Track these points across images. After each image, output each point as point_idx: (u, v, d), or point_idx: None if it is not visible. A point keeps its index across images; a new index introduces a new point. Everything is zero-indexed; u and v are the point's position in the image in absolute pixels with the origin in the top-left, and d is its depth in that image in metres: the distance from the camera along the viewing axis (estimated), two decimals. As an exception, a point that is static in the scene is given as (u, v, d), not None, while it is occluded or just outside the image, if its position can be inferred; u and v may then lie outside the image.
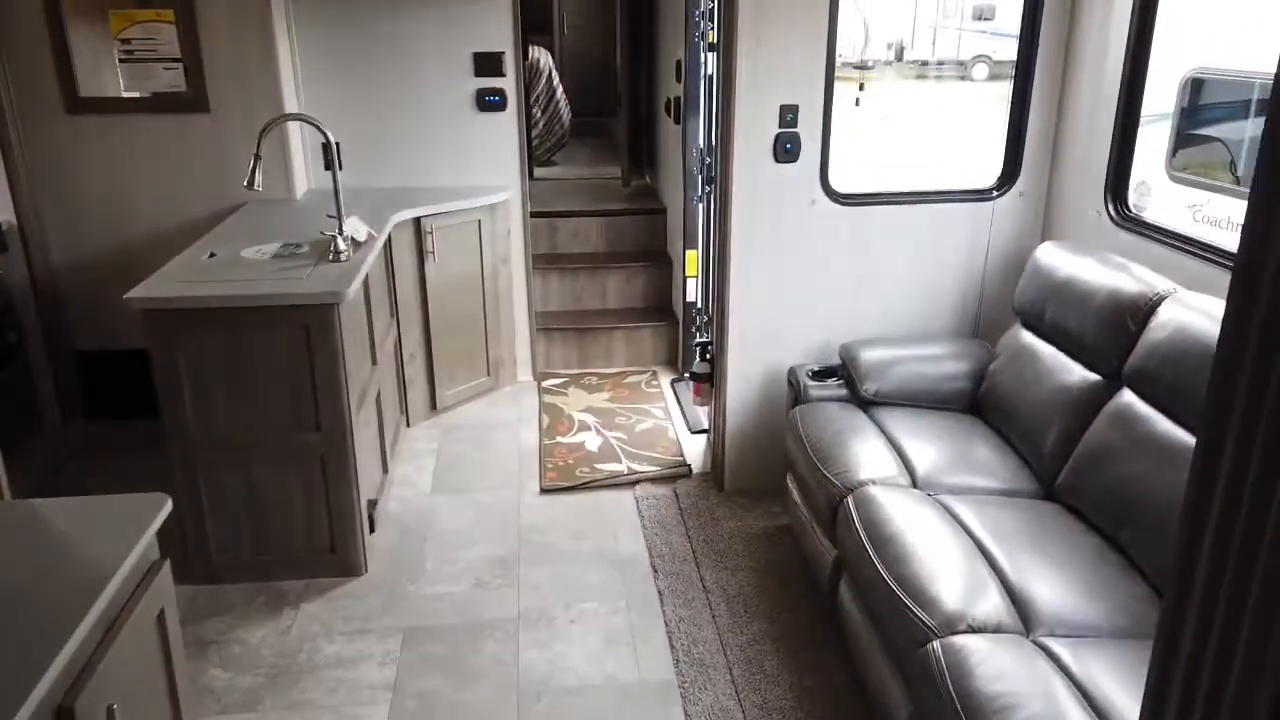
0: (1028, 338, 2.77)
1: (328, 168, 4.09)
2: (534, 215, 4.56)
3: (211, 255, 3.08)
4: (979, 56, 17.37)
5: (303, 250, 3.11)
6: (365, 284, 3.20)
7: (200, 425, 2.81)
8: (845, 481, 2.48)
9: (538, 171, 5.92)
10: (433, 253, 3.94)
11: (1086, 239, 2.91)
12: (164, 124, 3.78)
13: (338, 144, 4.06)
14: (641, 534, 3.23)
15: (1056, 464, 2.46)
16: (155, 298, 2.66)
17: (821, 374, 3.05)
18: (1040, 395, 2.58)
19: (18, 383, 3.65)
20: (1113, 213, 2.87)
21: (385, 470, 3.52)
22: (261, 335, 2.75)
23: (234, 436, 2.84)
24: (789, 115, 3.05)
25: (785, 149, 3.08)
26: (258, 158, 2.93)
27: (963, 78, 17.32)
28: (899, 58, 17.78)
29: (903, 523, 2.23)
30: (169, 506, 1.64)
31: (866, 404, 2.92)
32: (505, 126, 4.18)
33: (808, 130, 3.08)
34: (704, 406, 3.87)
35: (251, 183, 2.93)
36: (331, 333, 2.76)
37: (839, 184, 3.18)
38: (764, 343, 3.31)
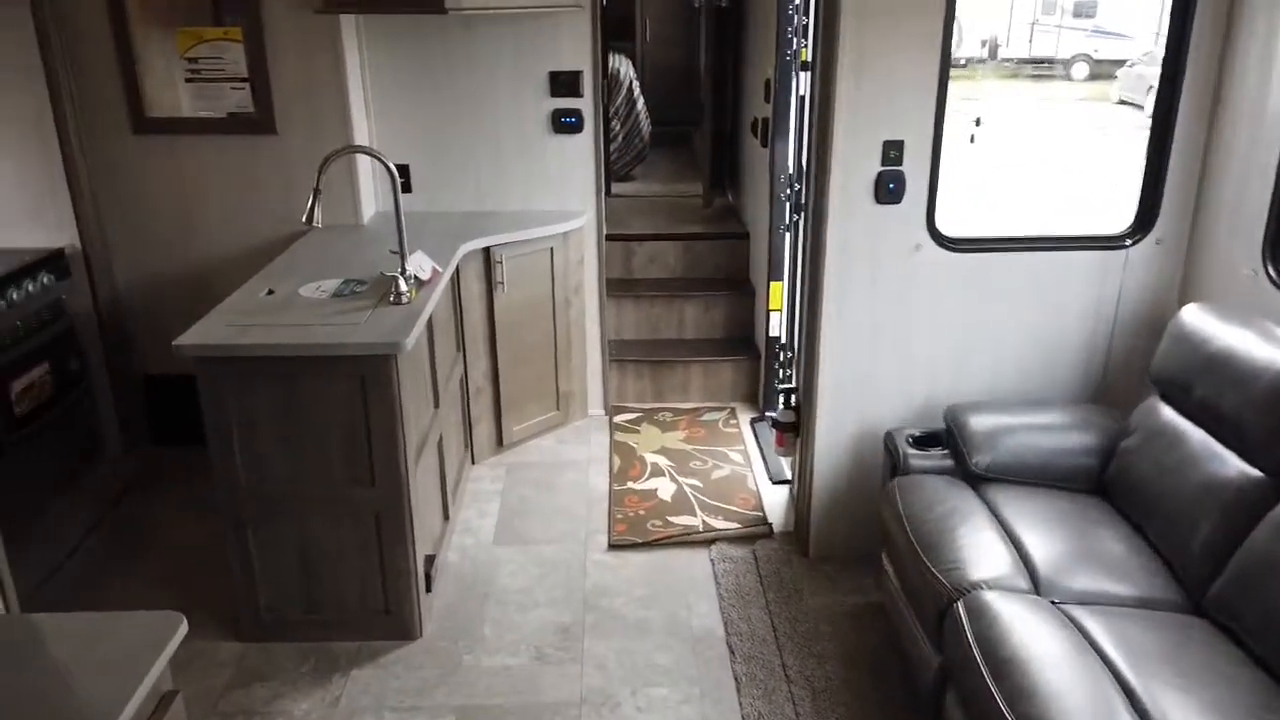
0: (1169, 415, 2.41)
1: (401, 190, 3.95)
2: (609, 238, 4.32)
3: (270, 293, 2.92)
4: (1079, 55, 16.57)
5: (363, 289, 2.92)
6: (429, 323, 3.01)
7: (251, 476, 2.65)
8: (955, 581, 2.17)
9: (615, 187, 5.68)
10: (502, 283, 3.73)
11: (1239, 301, 2.53)
12: (230, 145, 3.65)
13: (406, 167, 3.93)
14: (717, 604, 2.96)
15: (1206, 572, 2.11)
16: (205, 344, 2.50)
17: (924, 441, 2.73)
18: (1186, 487, 2.23)
19: (80, 410, 3.56)
20: (1274, 273, 2.49)
21: (446, 517, 3.32)
22: (314, 385, 2.56)
23: (286, 489, 2.67)
24: (893, 152, 2.74)
25: (888, 189, 2.77)
26: (317, 192, 2.75)
27: (1061, 77, 16.56)
28: (992, 55, 17.09)
29: (1024, 642, 1.92)
30: (184, 628, 1.44)
31: (976, 479, 2.59)
32: (582, 149, 3.95)
33: (914, 168, 2.76)
34: (787, 457, 3.58)
35: (310, 218, 2.75)
36: (388, 385, 2.56)
37: (947, 226, 2.86)
38: (858, 396, 3.01)
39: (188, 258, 3.76)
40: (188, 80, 3.58)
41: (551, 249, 3.88)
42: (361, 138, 3.76)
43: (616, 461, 3.88)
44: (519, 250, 3.75)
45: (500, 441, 3.95)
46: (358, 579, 2.78)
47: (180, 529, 3.37)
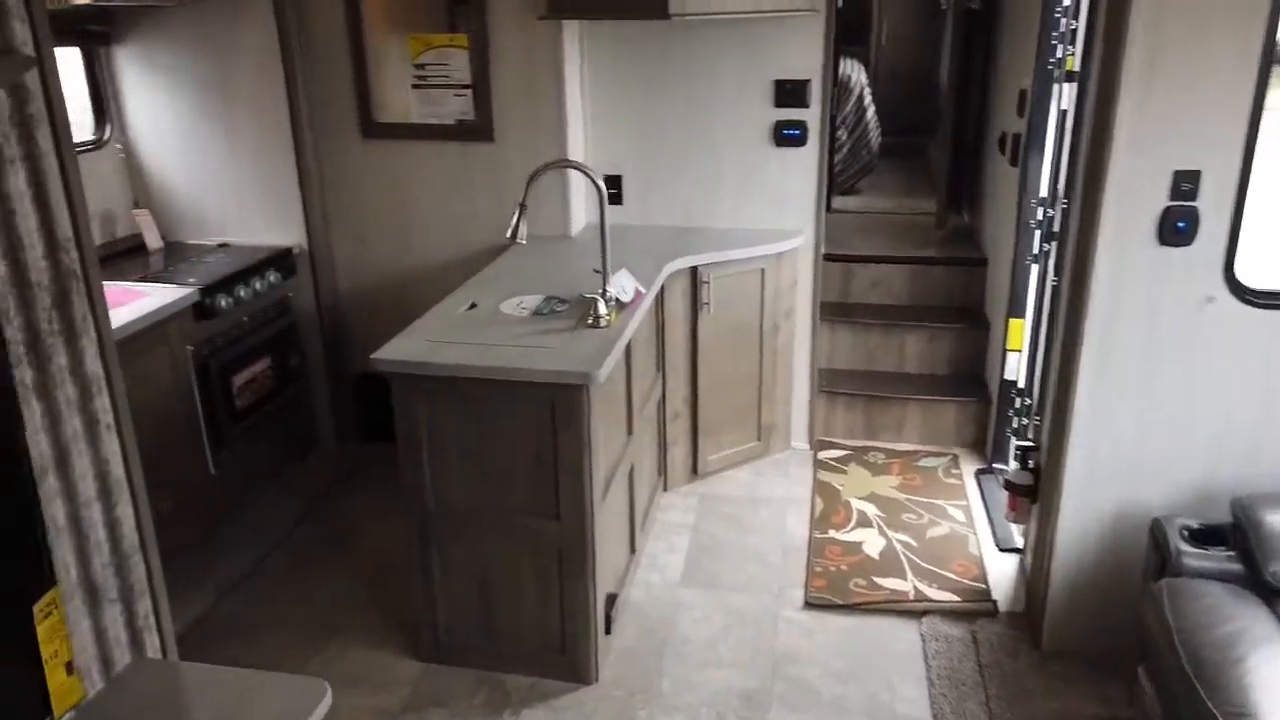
0: None
1: (609, 202, 3.82)
2: (827, 258, 4.00)
3: (472, 306, 2.84)
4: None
5: (564, 309, 2.79)
6: (628, 345, 2.83)
7: (437, 495, 2.57)
8: (1245, 732, 1.72)
9: (837, 202, 5.33)
10: (708, 304, 3.51)
11: None
12: (450, 152, 3.65)
13: (618, 178, 3.79)
14: (926, 690, 2.59)
15: None
16: (399, 360, 2.43)
17: (1203, 536, 2.24)
18: None
19: (297, 404, 3.69)
20: None
21: (632, 549, 3.14)
22: (502, 409, 2.44)
23: (470, 512, 2.57)
24: (1185, 184, 2.26)
25: (1175, 228, 2.30)
26: (523, 208, 2.63)
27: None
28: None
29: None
30: (328, 700, 1.31)
31: (1273, 594, 2.09)
32: (804, 163, 3.66)
33: (1211, 204, 2.27)
34: (1019, 524, 3.13)
35: (515, 234, 2.64)
36: (578, 416, 2.40)
37: (1250, 276, 2.34)
38: (1117, 469, 2.54)
39: (403, 262, 3.80)
40: (414, 86, 3.61)
41: (763, 270, 3.61)
42: (576, 147, 3.66)
43: (818, 504, 3.56)
44: (727, 270, 3.52)
45: (695, 470, 3.74)
46: (535, 613, 2.65)
47: (378, 529, 3.39)
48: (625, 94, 3.70)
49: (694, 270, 3.45)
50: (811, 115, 3.60)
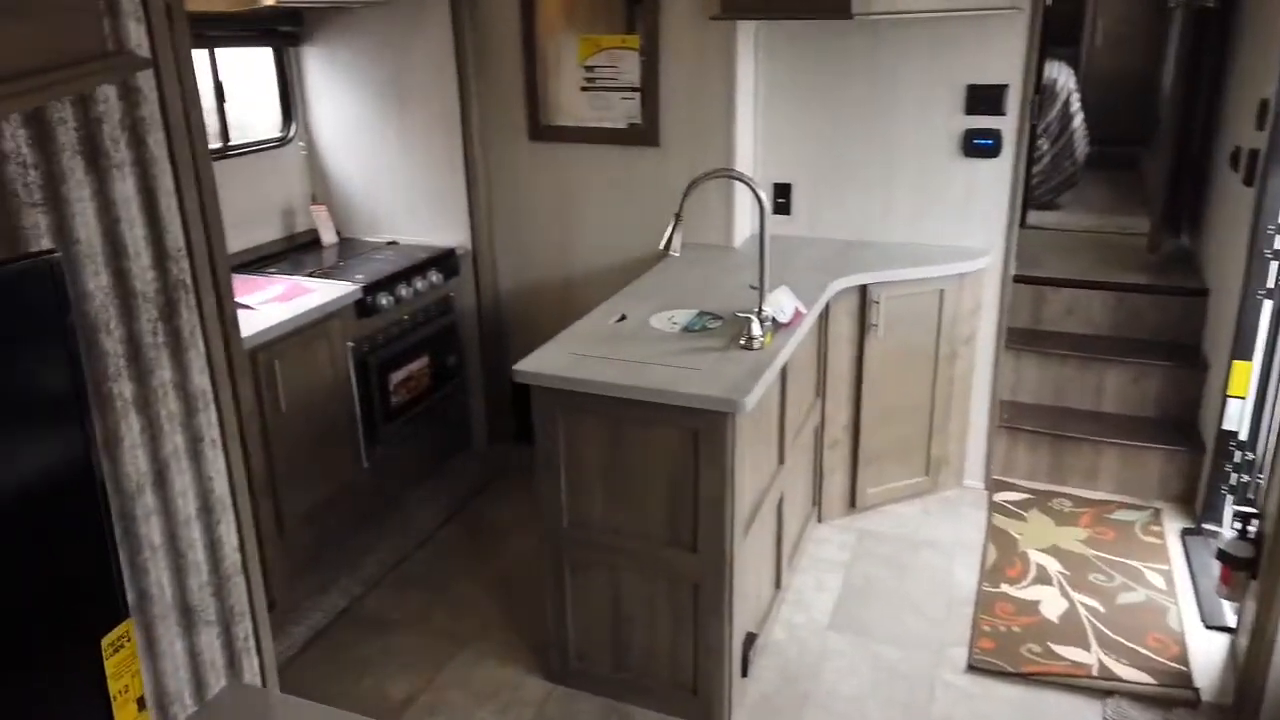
0: None
1: (776, 212, 3.63)
2: (1017, 280, 3.63)
3: (622, 318, 2.72)
4: None
5: (716, 326, 2.62)
6: (784, 369, 2.64)
7: (573, 515, 2.47)
8: None
9: (1032, 216, 4.88)
10: (877, 325, 3.24)
11: None
12: (614, 156, 3.55)
13: (787, 186, 3.58)
14: (1104, 788, 2.26)
15: None
16: (539, 373, 2.34)
17: None
18: None
19: (453, 403, 3.71)
20: None
21: (777, 585, 2.94)
22: (642, 432, 2.31)
23: (605, 536, 2.46)
24: None
25: None
26: (677, 219, 2.48)
27: None
28: None
29: None
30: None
31: None
32: (996, 176, 3.33)
33: None
34: (1232, 601, 2.70)
35: (668, 246, 2.49)
36: (721, 445, 2.23)
37: None
38: (1363, 554, 2.12)
39: (564, 266, 3.75)
40: (582, 89, 3.54)
41: (941, 291, 3.31)
42: (744, 153, 3.49)
43: (991, 553, 3.22)
44: (901, 290, 3.24)
45: (853, 503, 3.48)
46: (668, 648, 2.50)
47: (520, 535, 3.35)
48: (799, 98, 3.49)
49: (863, 289, 3.20)
50: (1007, 124, 3.27)
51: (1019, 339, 3.81)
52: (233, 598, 1.22)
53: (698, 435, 2.25)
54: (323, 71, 3.62)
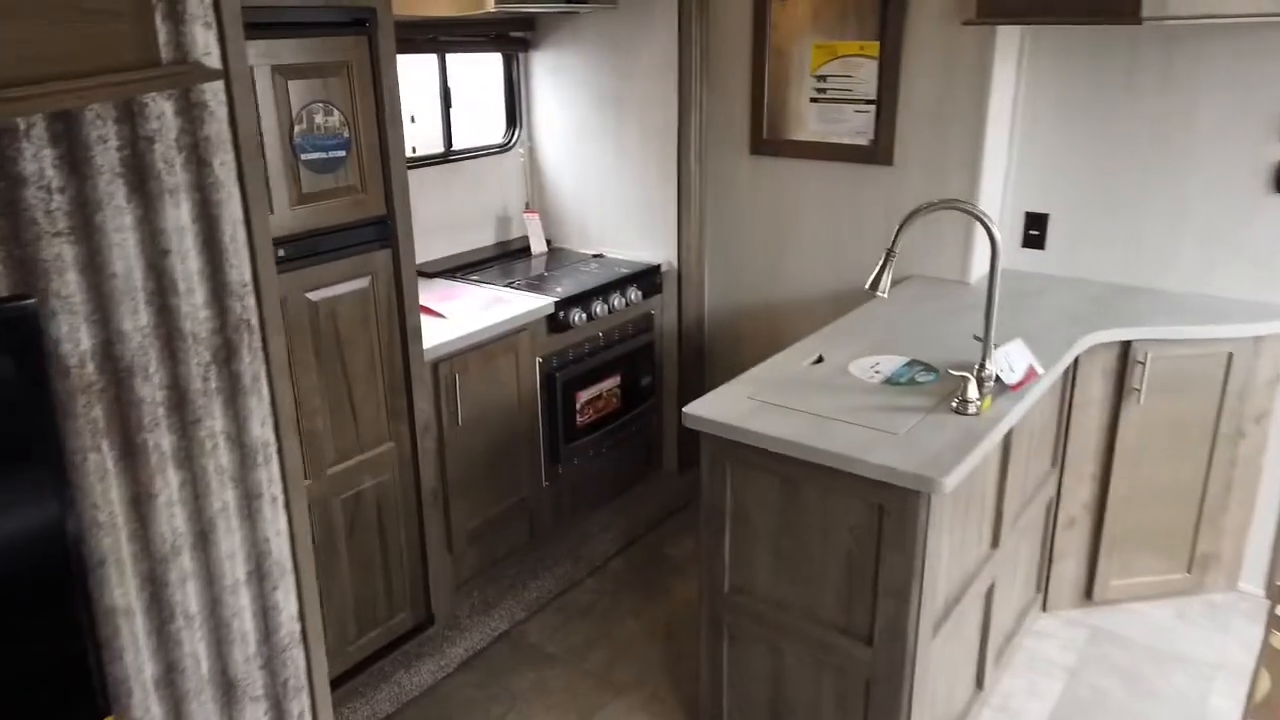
0: None
1: (1027, 245, 3.16)
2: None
3: (818, 360, 2.42)
4: None
5: (927, 381, 2.25)
6: (1008, 436, 2.23)
7: (736, 578, 2.21)
8: None
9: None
10: (1139, 390, 2.71)
11: None
12: (839, 174, 3.23)
13: (1043, 217, 3.11)
14: None
15: None
16: (709, 419, 2.09)
17: None
18: None
19: (643, 425, 3.55)
20: None
21: (979, 685, 2.52)
22: (819, 499, 2.00)
23: (769, 608, 2.18)
24: None
25: None
26: (889, 256, 2.14)
27: None
28: None
29: None
30: None
31: None
32: (1317, 219, 2.68)
33: None
34: None
35: (875, 285, 2.16)
36: (911, 529, 1.88)
37: None
38: None
39: (775, 289, 3.48)
40: (812, 100, 3.24)
41: (1230, 355, 2.71)
42: (993, 177, 3.05)
43: (1264, 682, 2.60)
44: (1176, 350, 2.68)
45: (1089, 594, 2.95)
46: (832, 743, 2.18)
47: (691, 577, 3.13)
48: (1067, 116, 3.00)
49: (1125, 345, 2.68)
50: (1340, 154, 2.62)
51: (1332, 419, 3.07)
52: (288, 670, 1.09)
53: (883, 512, 1.92)
54: (549, 78, 3.57)
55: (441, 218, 3.38)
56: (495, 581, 2.95)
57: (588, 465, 3.25)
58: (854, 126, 3.18)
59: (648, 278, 3.35)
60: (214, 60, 0.91)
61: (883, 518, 1.92)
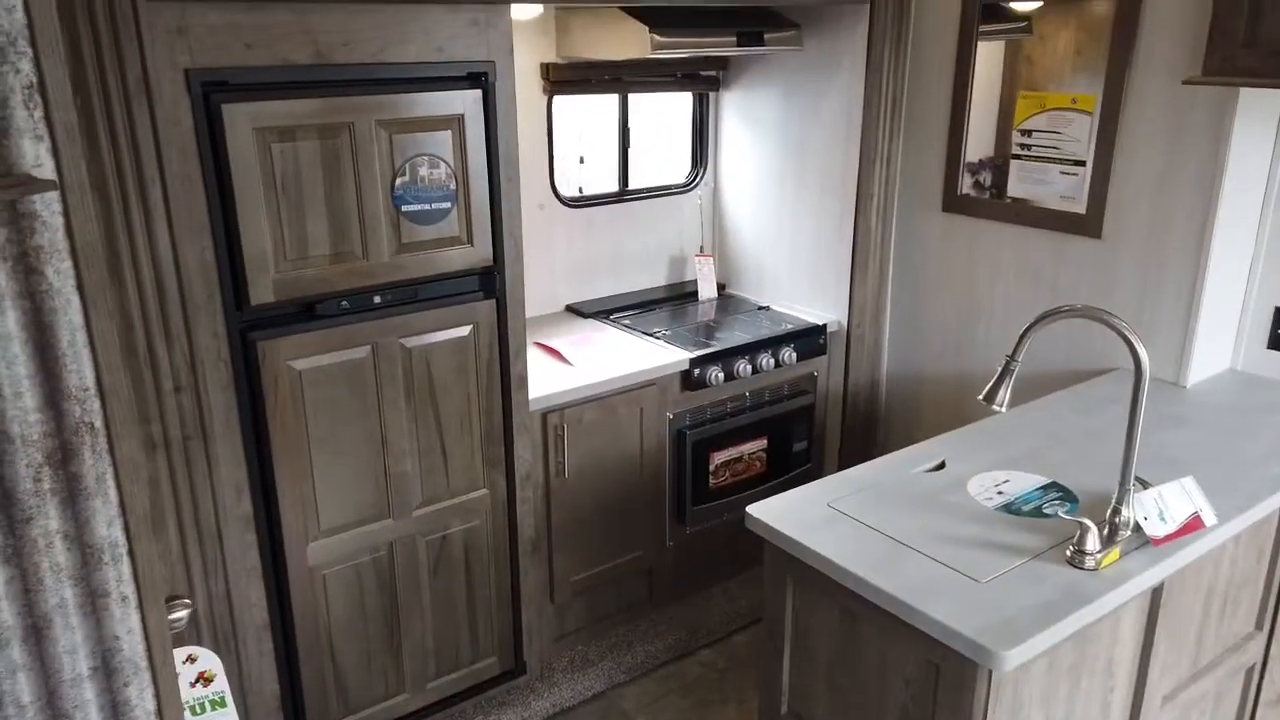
0: None
1: (1272, 347, 2.59)
2: None
3: (938, 466, 2.12)
4: None
5: (1056, 513, 1.89)
6: (1157, 594, 1.82)
7: (794, 704, 1.98)
8: None
9: None
10: (1389, 556, 2.11)
11: None
12: (1040, 242, 2.82)
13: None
14: None
15: None
16: (768, 525, 1.88)
17: None
18: None
19: (800, 491, 3.31)
20: None
21: None
22: (878, 639, 1.73)
23: (831, 742, 1.93)
24: None
25: None
26: (1010, 365, 1.82)
27: None
28: None
29: None
30: None
31: None
32: None
33: None
34: None
35: (991, 398, 1.84)
36: (968, 703, 1.57)
37: None
38: None
39: (959, 361, 3.11)
40: (1014, 156, 2.86)
41: None
42: (1231, 264, 2.53)
43: None
44: None
45: (1298, 794, 2.35)
46: None
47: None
48: (1337, 194, 2.40)
49: (1371, 496, 2.10)
50: None
51: None
52: (143, 774, 1.09)
53: (939, 673, 1.62)
54: (738, 119, 3.44)
55: (610, 256, 3.36)
56: (601, 638, 2.89)
57: (719, 530, 3.09)
58: (1059, 190, 2.76)
59: (809, 337, 3.13)
60: (46, 171, 0.92)
61: (939, 679, 1.63)
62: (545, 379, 2.61)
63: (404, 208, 2.11)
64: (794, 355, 3.06)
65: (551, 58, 3.01)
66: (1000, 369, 1.83)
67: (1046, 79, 2.75)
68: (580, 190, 3.28)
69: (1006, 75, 2.88)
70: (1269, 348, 2.60)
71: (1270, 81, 2.16)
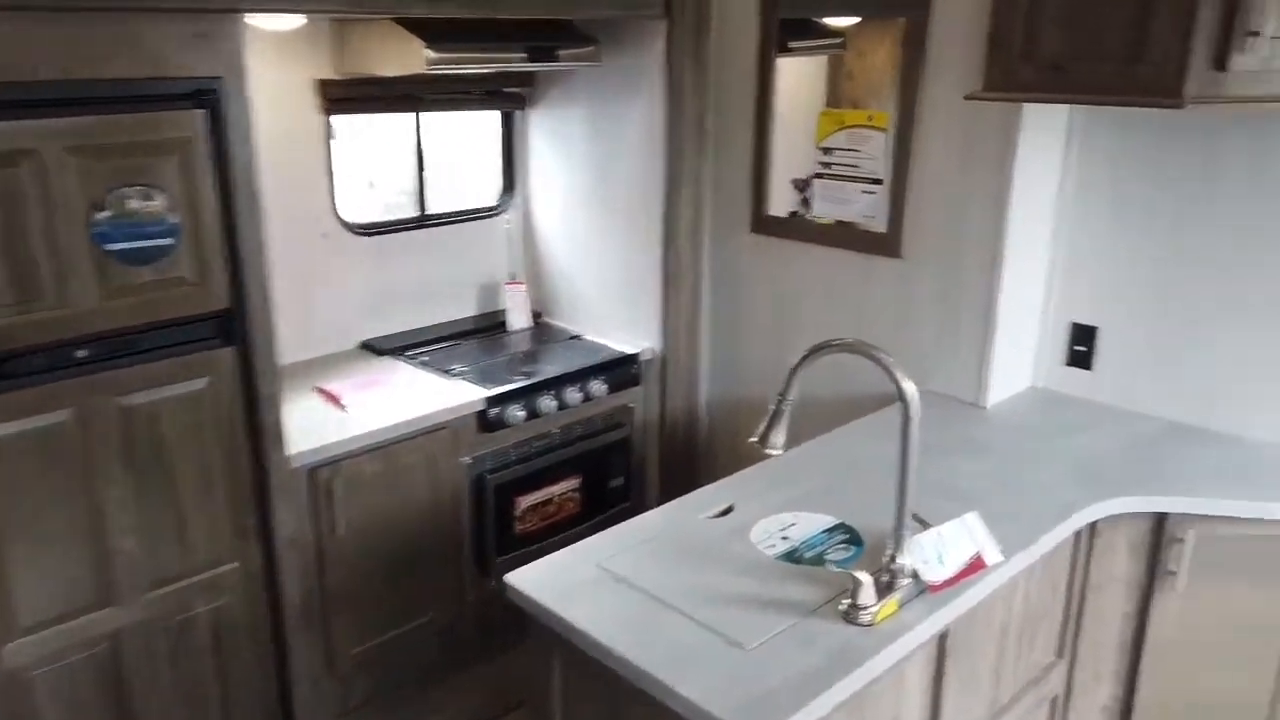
0: None
1: (1071, 363, 2.57)
2: None
3: (724, 512, 1.98)
4: None
5: (841, 560, 1.76)
6: (944, 640, 1.71)
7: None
8: None
9: None
10: (1175, 573, 2.08)
11: None
12: (843, 262, 2.75)
13: (1090, 330, 2.51)
14: None
15: None
16: (526, 595, 1.69)
17: None
18: None
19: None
20: None
21: None
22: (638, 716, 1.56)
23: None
24: None
25: None
26: (780, 405, 1.69)
27: None
28: None
29: None
30: None
31: None
32: None
33: None
34: None
35: (763, 440, 1.70)
36: (730, 789, 1.41)
37: None
38: None
39: (774, 388, 2.97)
40: (816, 176, 2.77)
41: (1312, 542, 2.04)
42: (1028, 280, 2.51)
43: None
44: (1237, 529, 2.04)
45: (1108, 822, 2.31)
46: None
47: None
48: (1123, 212, 2.41)
49: (1160, 521, 2.07)
50: None
51: None
52: None
53: (702, 757, 1.46)
54: (544, 139, 3.26)
55: (412, 287, 3.12)
56: (394, 710, 2.63)
57: (530, 577, 2.88)
58: (860, 209, 2.68)
59: (621, 367, 2.97)
60: None
61: (701, 763, 1.46)
62: (318, 429, 2.35)
63: (109, 246, 1.83)
64: (605, 387, 2.90)
65: (329, 73, 2.76)
66: (772, 410, 1.69)
67: (868, 95, 2.68)
68: (370, 218, 3.03)
69: (831, 92, 2.80)
70: (1067, 364, 2.58)
71: (1048, 96, 2.13)
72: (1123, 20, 1.88)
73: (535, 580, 1.72)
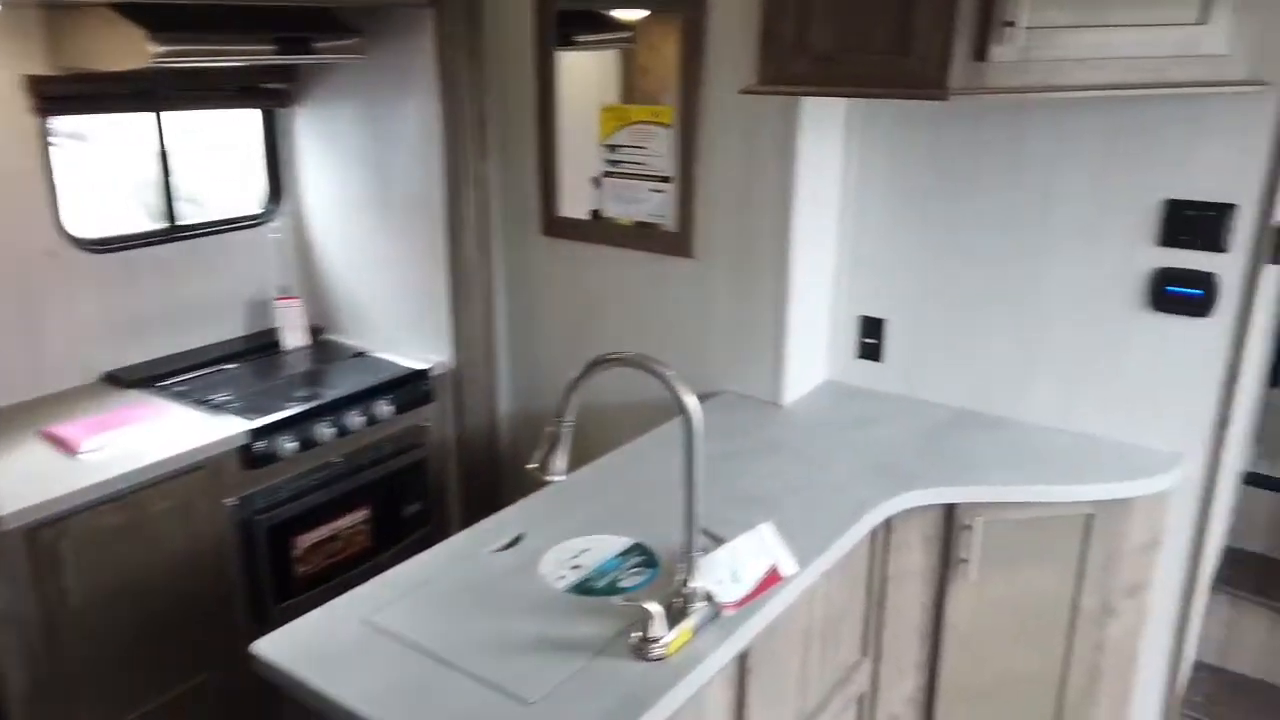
0: None
1: (863, 356, 2.57)
2: (1253, 482, 2.33)
3: (512, 543, 1.82)
4: None
5: (634, 585, 1.65)
6: (745, 659, 1.62)
7: None
8: None
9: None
10: (966, 560, 2.11)
11: None
12: (638, 263, 2.65)
13: (878, 323, 2.52)
14: None
15: None
16: (281, 668, 1.47)
17: None
18: None
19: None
20: None
21: None
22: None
23: None
24: None
25: None
26: (559, 428, 1.54)
27: None
28: None
29: None
30: None
31: None
32: (1201, 345, 2.10)
33: None
34: None
35: (544, 468, 1.55)
36: None
37: None
38: None
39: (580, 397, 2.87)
40: (606, 174, 2.66)
41: (1088, 518, 2.11)
42: (818, 276, 2.48)
43: None
44: (1018, 514, 2.08)
45: (920, 810, 2.32)
46: None
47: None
48: (899, 202, 2.42)
49: (950, 511, 2.08)
50: (1229, 265, 2.03)
51: (1251, 577, 2.47)
52: None
53: (482, 833, 1.30)
54: (313, 139, 2.99)
55: (164, 308, 2.77)
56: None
57: (318, 622, 2.62)
58: (650, 208, 2.59)
59: (410, 385, 2.75)
60: None
61: (482, 839, 1.30)
62: (39, 481, 2.02)
63: None
64: (391, 408, 2.67)
65: (41, 69, 2.39)
66: (550, 432, 1.54)
67: (662, 90, 2.57)
68: (106, 232, 2.67)
69: (625, 87, 2.67)
70: (859, 357, 2.59)
71: (821, 89, 2.08)
72: (888, 13, 1.86)
73: (289, 646, 1.50)
